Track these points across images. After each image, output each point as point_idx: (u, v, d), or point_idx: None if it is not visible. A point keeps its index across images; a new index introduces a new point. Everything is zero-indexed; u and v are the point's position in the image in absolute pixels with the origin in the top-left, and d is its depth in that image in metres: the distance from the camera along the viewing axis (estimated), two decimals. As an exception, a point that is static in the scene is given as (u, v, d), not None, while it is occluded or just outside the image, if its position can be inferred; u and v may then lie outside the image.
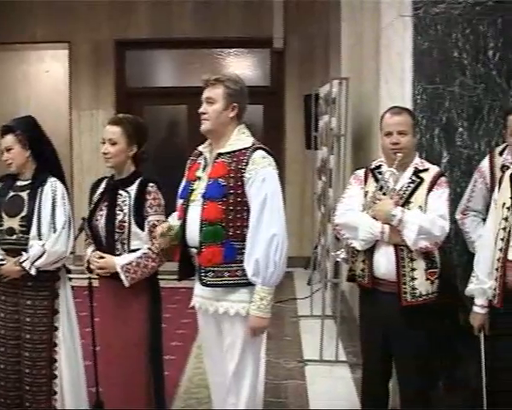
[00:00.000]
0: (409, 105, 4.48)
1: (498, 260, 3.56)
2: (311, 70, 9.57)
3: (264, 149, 3.56)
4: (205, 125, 3.59)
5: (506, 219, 3.52)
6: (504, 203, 3.52)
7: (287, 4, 9.73)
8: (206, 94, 3.59)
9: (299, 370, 5.77)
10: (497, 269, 3.57)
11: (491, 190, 4.07)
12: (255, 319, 3.49)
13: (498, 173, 4.17)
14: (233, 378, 3.60)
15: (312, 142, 7.68)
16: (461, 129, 4.66)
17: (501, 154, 4.29)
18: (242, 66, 10.35)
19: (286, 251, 3.49)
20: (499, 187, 3.73)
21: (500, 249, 3.55)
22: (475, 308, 3.79)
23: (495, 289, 3.60)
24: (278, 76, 10.12)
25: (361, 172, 4.13)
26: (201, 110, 3.60)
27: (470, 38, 4.66)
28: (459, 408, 4.70)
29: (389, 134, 3.91)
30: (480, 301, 3.73)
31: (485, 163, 4.38)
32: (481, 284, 3.68)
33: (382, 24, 4.89)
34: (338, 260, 4.15)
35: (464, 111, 4.66)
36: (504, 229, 3.53)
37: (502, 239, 3.54)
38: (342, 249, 4.09)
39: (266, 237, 3.42)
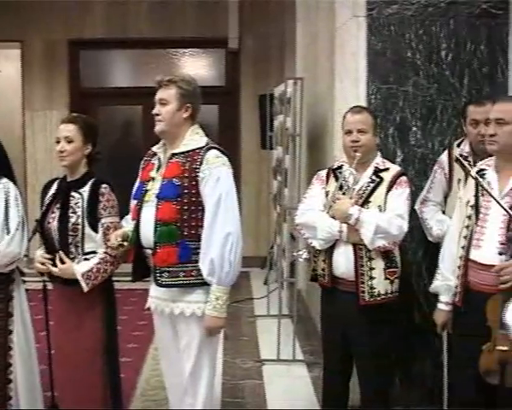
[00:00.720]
0: (363, 105, 4.50)
1: (461, 258, 3.56)
2: (267, 70, 9.58)
3: (218, 149, 3.56)
4: (159, 127, 3.58)
5: (469, 217, 3.53)
6: (469, 201, 3.55)
7: (242, 4, 9.72)
8: (159, 95, 3.58)
9: (257, 370, 5.76)
10: (459, 267, 3.57)
11: (450, 181, 4.14)
12: (211, 319, 3.48)
13: (456, 164, 4.25)
14: (190, 379, 3.59)
15: (268, 142, 7.68)
16: (414, 128, 4.71)
17: (459, 145, 4.36)
18: (198, 66, 10.32)
19: (241, 250, 3.50)
20: (465, 184, 3.77)
21: (463, 247, 3.55)
22: (440, 305, 3.81)
23: (456, 288, 3.62)
24: (233, 76, 10.11)
25: (323, 173, 4.14)
26: (155, 111, 3.58)
27: (423, 38, 4.71)
28: (416, 405, 4.75)
29: (349, 132, 3.92)
30: (444, 298, 3.72)
31: (444, 155, 4.44)
32: (446, 281, 3.69)
33: (337, 24, 4.92)
34: (300, 259, 4.14)
35: (418, 111, 4.71)
36: (467, 227, 3.54)
37: (465, 237, 3.54)
38: (304, 249, 4.08)
39: (221, 237, 3.42)
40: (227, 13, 9.69)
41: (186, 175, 3.45)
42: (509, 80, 4.75)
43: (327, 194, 4.00)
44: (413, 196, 4.40)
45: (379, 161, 3.98)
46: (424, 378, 4.79)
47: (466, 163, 3.89)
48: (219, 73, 10.31)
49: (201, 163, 3.46)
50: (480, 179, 3.47)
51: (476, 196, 3.53)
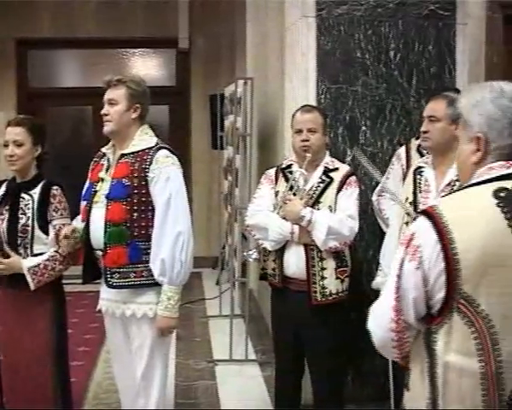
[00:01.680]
0: (313, 104, 4.52)
1: None
2: (217, 70, 9.56)
3: (167, 149, 3.54)
4: (107, 127, 3.55)
5: (408, 213, 3.61)
6: (407, 198, 3.60)
7: (192, 4, 9.69)
8: (108, 95, 3.56)
9: (210, 370, 5.75)
10: None
11: (407, 173, 4.20)
12: (163, 319, 3.47)
13: (415, 155, 4.31)
14: (142, 381, 3.57)
15: (218, 142, 7.67)
16: (364, 128, 4.76)
17: (417, 138, 4.41)
18: (148, 66, 10.27)
19: (192, 250, 3.50)
20: (403, 182, 3.83)
21: None
22: None
23: None
24: (184, 76, 10.07)
25: (272, 172, 4.14)
26: (103, 112, 3.56)
27: (372, 38, 4.75)
28: (369, 402, 4.80)
29: (299, 132, 3.93)
30: None
31: (402, 148, 4.51)
32: (387, 277, 3.74)
33: (286, 24, 4.93)
34: (250, 260, 4.15)
35: (367, 110, 4.75)
36: (407, 224, 3.60)
37: (404, 234, 3.61)
38: (254, 249, 4.08)
39: (172, 236, 3.41)
40: (177, 13, 9.66)
41: (135, 175, 3.43)
42: (457, 80, 4.82)
43: (276, 194, 4.01)
44: (361, 196, 4.43)
45: (328, 160, 4.00)
46: (376, 375, 4.83)
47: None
48: (170, 74, 10.27)
49: (151, 163, 3.44)
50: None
51: (414, 193, 3.60)
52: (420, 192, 3.59)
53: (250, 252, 4.10)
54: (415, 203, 3.60)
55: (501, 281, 1.90)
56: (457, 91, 4.45)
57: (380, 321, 2.11)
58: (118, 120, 3.52)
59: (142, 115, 3.59)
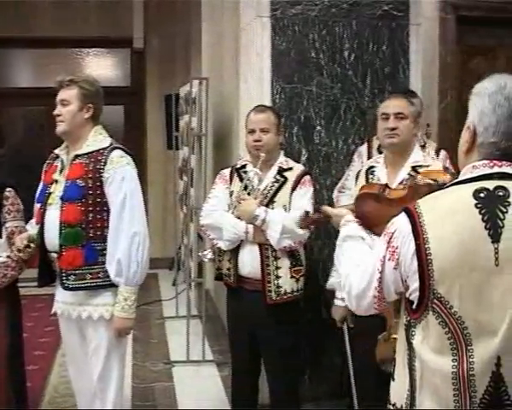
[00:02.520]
0: (267, 104, 4.53)
1: None
2: (172, 70, 9.52)
3: (121, 149, 3.53)
4: (60, 127, 3.52)
5: None
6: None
7: (147, 4, 9.63)
8: (60, 96, 3.53)
9: (167, 371, 5.73)
10: None
11: None
12: (120, 320, 3.46)
13: (376, 153, 4.34)
14: (98, 383, 3.55)
15: (173, 142, 7.64)
16: (319, 127, 4.77)
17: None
18: (102, 66, 10.17)
19: (148, 250, 3.49)
20: (356, 182, 3.86)
21: None
22: (336, 301, 3.89)
23: None
24: (139, 76, 10.00)
25: (226, 172, 4.14)
26: (56, 112, 3.53)
27: (327, 38, 4.77)
28: (326, 399, 4.82)
29: (252, 132, 3.93)
30: (340, 294, 3.81)
31: (363, 146, 4.55)
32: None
33: (241, 24, 4.94)
34: (205, 260, 4.14)
35: (322, 110, 4.77)
36: None
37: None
38: (209, 249, 4.07)
39: (127, 236, 3.40)
40: (132, 12, 9.59)
41: (90, 176, 3.41)
42: (411, 80, 4.87)
43: (231, 194, 4.01)
44: (317, 195, 4.46)
45: (282, 160, 4.02)
46: (333, 373, 4.86)
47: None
48: (124, 74, 10.19)
49: (105, 163, 3.42)
50: None
51: None
52: None
53: (205, 252, 4.09)
54: None
55: (474, 284, 1.88)
56: (412, 92, 4.52)
57: (361, 303, 2.14)
58: (70, 120, 3.49)
59: (95, 116, 3.57)
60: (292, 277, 3.89)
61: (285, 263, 3.87)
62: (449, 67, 5.46)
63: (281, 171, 3.96)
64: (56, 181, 3.52)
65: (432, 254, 1.89)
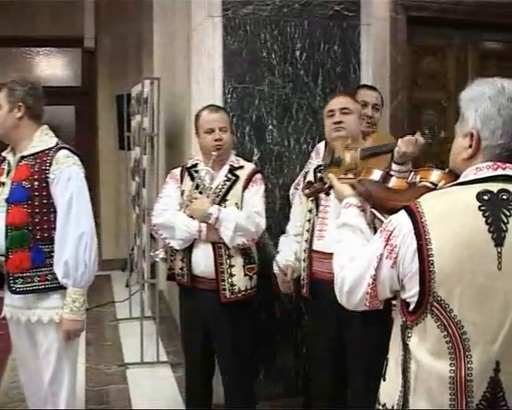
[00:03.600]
0: (219, 104, 4.53)
1: (304, 250, 3.72)
2: (124, 70, 9.46)
3: (68, 149, 3.49)
4: None
5: (310, 210, 3.69)
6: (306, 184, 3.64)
7: (98, 3, 9.53)
8: None
9: (121, 374, 5.68)
10: (303, 260, 3.72)
11: None
12: (69, 323, 3.41)
13: None
14: (50, 387, 3.51)
15: (125, 142, 7.59)
16: (271, 127, 4.77)
17: None
18: (53, 65, 10.03)
19: (96, 250, 3.45)
20: (304, 180, 3.89)
21: (306, 240, 3.71)
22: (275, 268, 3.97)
23: (303, 279, 3.75)
24: (90, 76, 9.90)
25: (177, 171, 4.15)
26: None
27: (278, 38, 4.78)
28: (281, 398, 4.84)
29: (211, 131, 3.95)
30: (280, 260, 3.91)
31: (321, 143, 4.55)
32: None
33: (193, 24, 4.91)
34: (157, 259, 4.13)
35: (274, 109, 4.78)
36: (309, 221, 3.70)
37: (307, 230, 3.71)
38: (161, 249, 4.07)
39: (75, 237, 3.36)
40: (83, 11, 9.49)
41: (36, 177, 3.37)
42: (362, 79, 4.90)
43: (182, 193, 4.02)
44: (269, 194, 4.47)
45: (233, 159, 4.07)
46: (288, 372, 4.88)
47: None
48: (75, 73, 10.07)
49: (51, 164, 3.38)
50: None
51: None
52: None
53: (157, 252, 4.09)
54: (316, 200, 3.67)
55: (475, 287, 1.85)
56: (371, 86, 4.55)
57: (352, 298, 2.10)
58: (2, 123, 3.46)
59: (32, 115, 3.52)
60: (245, 275, 3.93)
61: (238, 261, 3.90)
62: (400, 67, 5.52)
63: (232, 169, 3.99)
64: (3, 184, 3.48)
65: (434, 256, 1.87)
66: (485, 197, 1.89)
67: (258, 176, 4.02)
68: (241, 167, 4.01)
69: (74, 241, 3.35)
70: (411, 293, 1.93)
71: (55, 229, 3.38)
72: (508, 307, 1.86)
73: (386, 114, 5.77)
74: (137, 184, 6.67)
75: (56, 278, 3.38)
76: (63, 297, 3.41)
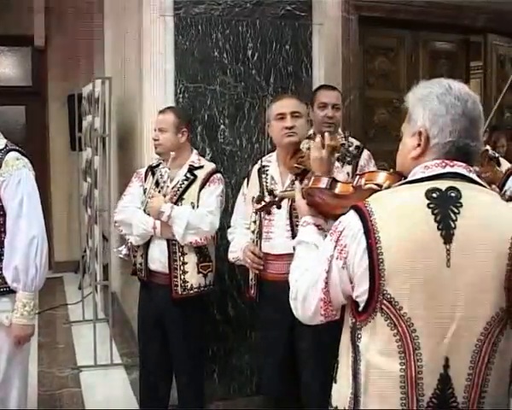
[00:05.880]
0: (171, 104, 4.54)
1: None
2: (75, 69, 9.30)
3: (17, 151, 3.42)
4: None
5: (256, 212, 3.69)
6: (253, 197, 3.65)
7: (49, 1, 9.41)
8: None
9: (74, 377, 5.63)
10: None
11: None
12: (19, 327, 3.34)
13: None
14: (-1, 393, 3.44)
15: (77, 142, 7.50)
16: (222, 126, 4.78)
17: None
18: (3, 64, 9.85)
19: (47, 253, 3.38)
20: (247, 182, 3.91)
21: (253, 242, 3.73)
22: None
23: (251, 280, 3.80)
24: (40, 75, 9.76)
25: (142, 170, 4.29)
26: None
27: (230, 38, 4.78)
28: (235, 397, 4.85)
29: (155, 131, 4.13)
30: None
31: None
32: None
33: (144, 23, 4.87)
34: (120, 256, 4.16)
35: (225, 109, 4.78)
36: (255, 222, 3.74)
37: (253, 232, 3.74)
38: (124, 246, 4.13)
39: (25, 241, 3.30)
40: (33, 9, 9.34)
41: (-16, 180, 3.31)
42: (314, 79, 4.92)
43: (144, 191, 4.13)
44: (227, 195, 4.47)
45: (194, 158, 4.16)
46: (242, 372, 4.88)
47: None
48: (26, 73, 9.91)
49: (0, 166, 3.32)
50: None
51: (262, 192, 3.68)
52: (267, 190, 3.68)
53: (120, 248, 4.16)
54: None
55: (424, 285, 1.86)
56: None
57: (307, 306, 2.08)
58: None
59: None
60: (199, 272, 4.01)
61: (192, 258, 3.99)
62: (351, 66, 5.53)
63: (192, 169, 4.09)
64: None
65: (383, 254, 1.86)
66: (434, 195, 1.90)
67: (217, 176, 4.10)
68: (201, 167, 4.11)
69: (25, 245, 3.30)
70: (360, 291, 1.93)
71: (4, 232, 3.32)
72: (456, 304, 1.87)
73: (338, 113, 5.79)
74: (89, 185, 6.60)
75: (6, 282, 3.32)
76: (13, 301, 3.35)
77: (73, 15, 9.33)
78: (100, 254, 6.01)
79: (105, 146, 5.98)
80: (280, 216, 3.57)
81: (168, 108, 4.29)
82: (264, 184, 3.74)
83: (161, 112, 4.19)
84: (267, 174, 3.76)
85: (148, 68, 4.81)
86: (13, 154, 3.38)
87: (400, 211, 1.92)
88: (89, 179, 6.66)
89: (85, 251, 7.45)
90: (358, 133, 5.19)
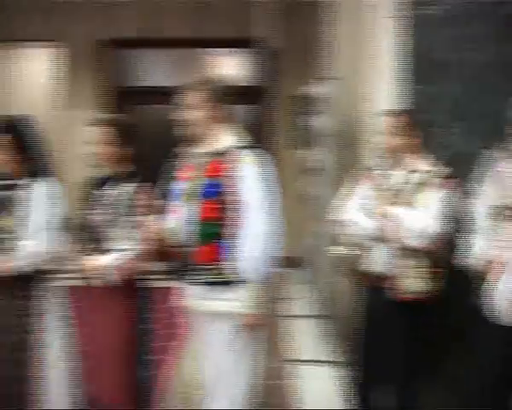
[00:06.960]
0: (400, 105, 4.46)
1: None
2: (304, 69, 9.42)
3: (256, 149, 3.58)
4: None
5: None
6: None
7: (281, 4, 9.61)
8: None
9: (291, 370, 5.70)
10: None
11: None
12: (249, 317, 3.51)
13: None
14: (228, 378, 3.60)
15: (301, 141, 7.61)
16: (456, 129, 4.60)
17: None
18: (239, 66, 10.25)
19: (277, 247, 3.52)
20: None
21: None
22: None
23: None
24: (271, 75, 9.99)
25: (370, 172, 4.23)
26: None
27: (462, 37, 4.60)
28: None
29: None
30: None
31: None
32: None
33: (374, 24, 4.86)
34: (339, 255, 4.22)
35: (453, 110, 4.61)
36: None
37: None
38: (344, 246, 4.25)
39: (259, 234, 3.45)
40: (267, 14, 9.60)
41: (227, 174, 3.49)
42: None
43: (371, 193, 4.10)
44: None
45: (422, 161, 4.06)
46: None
47: None
48: (258, 73, 10.21)
49: (241, 162, 3.49)
50: None
51: None
52: None
53: (340, 247, 4.35)
54: None
55: None
56: None
57: None
58: (197, 121, 3.58)
59: (222, 114, 3.64)
60: (424, 277, 3.94)
61: (417, 262, 3.91)
62: None
63: (418, 171, 4.04)
64: (193, 177, 3.60)
65: None
66: None
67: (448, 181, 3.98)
68: (428, 171, 4.01)
69: (258, 238, 3.44)
70: None
71: (238, 225, 3.47)
72: None
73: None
74: (315, 183, 6.67)
75: (240, 272, 3.47)
76: (245, 291, 3.49)
77: (305, 18, 9.46)
78: (323, 252, 6.08)
79: (331, 145, 6.03)
80: None
81: (400, 109, 4.23)
82: None
83: (392, 114, 4.12)
84: None
85: (377, 69, 4.80)
86: (251, 151, 3.55)
87: None
88: (314, 177, 6.75)
89: (309, 247, 7.55)
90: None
